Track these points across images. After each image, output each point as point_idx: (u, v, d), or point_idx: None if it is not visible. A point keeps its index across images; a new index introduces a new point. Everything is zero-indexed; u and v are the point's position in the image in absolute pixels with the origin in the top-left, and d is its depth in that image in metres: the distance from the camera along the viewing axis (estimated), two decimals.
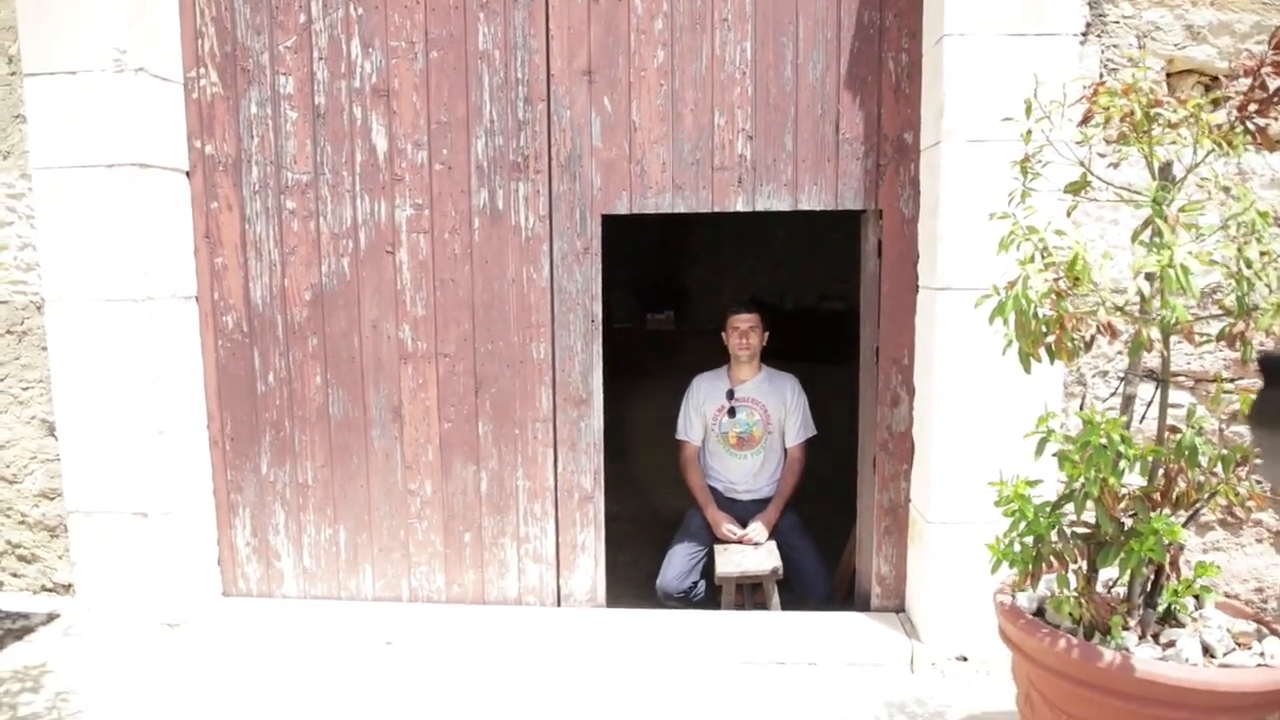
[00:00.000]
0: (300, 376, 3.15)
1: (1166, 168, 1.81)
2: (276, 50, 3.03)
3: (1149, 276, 1.63)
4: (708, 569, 3.46)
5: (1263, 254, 1.51)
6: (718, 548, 3.43)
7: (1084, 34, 2.62)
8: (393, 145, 3.02)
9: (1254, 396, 0.61)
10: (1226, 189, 2.37)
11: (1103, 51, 2.66)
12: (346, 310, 3.10)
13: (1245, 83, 1.65)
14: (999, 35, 2.56)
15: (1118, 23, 2.65)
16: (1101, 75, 2.63)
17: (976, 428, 2.64)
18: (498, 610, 3.17)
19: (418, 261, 3.06)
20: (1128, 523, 1.91)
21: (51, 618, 3.07)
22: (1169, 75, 2.67)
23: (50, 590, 3.24)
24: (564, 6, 2.92)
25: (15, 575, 3.25)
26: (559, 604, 3.19)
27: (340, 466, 3.18)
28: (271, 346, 3.15)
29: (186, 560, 3.12)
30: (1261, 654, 1.92)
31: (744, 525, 3.48)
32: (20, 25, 2.85)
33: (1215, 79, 2.64)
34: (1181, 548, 2.12)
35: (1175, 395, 2.61)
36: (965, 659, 2.75)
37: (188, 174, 3.10)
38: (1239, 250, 1.53)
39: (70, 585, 3.18)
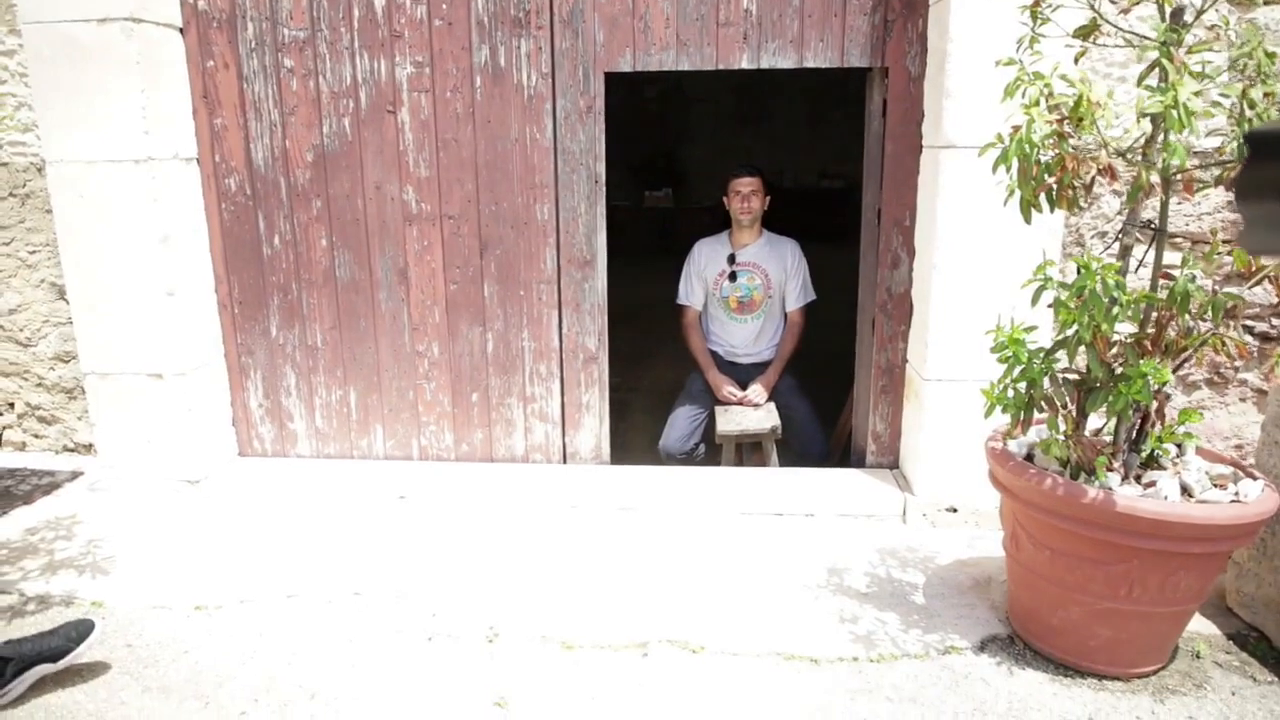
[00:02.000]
0: (306, 239, 3.17)
1: (1179, 11, 1.79)
2: None
3: (1152, 118, 1.64)
4: (709, 431, 3.57)
5: (1266, 95, 1.52)
6: (718, 409, 3.53)
7: None
8: (391, 0, 2.95)
9: (1237, 171, 0.64)
10: (1234, 41, 2.35)
11: None
12: (349, 172, 3.10)
13: None
14: None
15: None
16: None
17: (975, 288, 2.69)
18: (506, 467, 3.29)
19: (419, 121, 3.03)
20: (1118, 369, 1.98)
21: (76, 475, 3.18)
22: None
23: (72, 450, 3.34)
24: None
25: (37, 436, 3.35)
26: (565, 461, 3.31)
27: (348, 329, 3.24)
28: (276, 209, 3.16)
29: (203, 421, 3.21)
30: (1236, 493, 2.02)
31: (744, 388, 3.57)
32: None
33: None
34: (1168, 396, 2.21)
35: (1171, 257, 2.65)
36: (955, 510, 2.88)
37: (181, 31, 3.03)
38: (1243, 92, 1.53)
39: (91, 445, 3.29)
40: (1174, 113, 1.52)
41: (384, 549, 2.71)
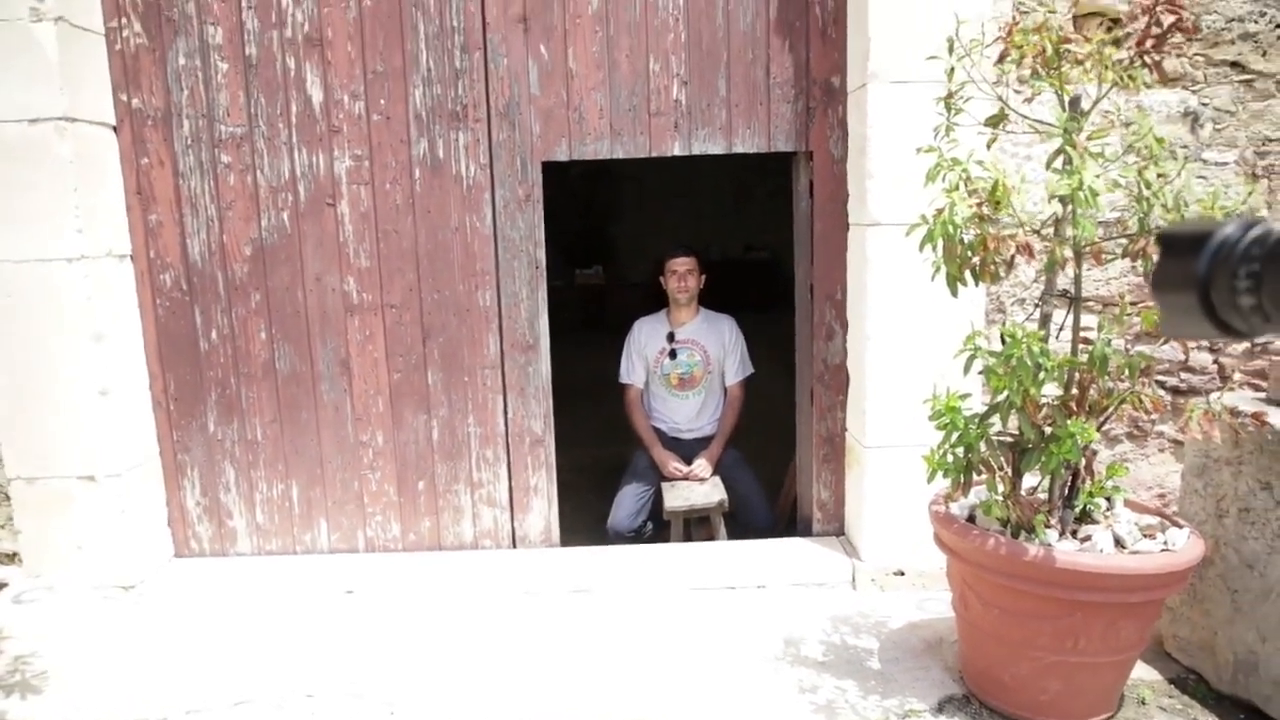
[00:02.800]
0: (244, 333, 3.15)
1: (1075, 101, 1.96)
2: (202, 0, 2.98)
3: (1062, 199, 1.78)
4: (656, 508, 3.59)
5: (1159, 175, 1.67)
6: (665, 485, 3.56)
7: None
8: (329, 96, 3.01)
9: (1154, 263, 0.73)
10: (1127, 124, 2.56)
11: None
12: (289, 264, 3.10)
13: (1144, 22, 1.80)
14: None
15: None
16: (1014, 17, 2.78)
17: (907, 356, 2.81)
18: (455, 555, 3.25)
19: (359, 213, 3.07)
20: (1048, 430, 2.09)
21: (0, 586, 3.04)
22: (1076, 17, 2.84)
23: None
24: None
25: None
26: (514, 545, 3.29)
27: (289, 422, 3.20)
28: (213, 304, 3.13)
29: (137, 523, 3.10)
30: (1165, 543, 2.13)
31: (689, 463, 3.62)
32: None
33: (1117, 20, 2.82)
34: (1095, 453, 2.33)
35: (1085, 320, 2.82)
36: (902, 573, 2.95)
37: (115, 129, 3.03)
38: (1139, 173, 1.68)
39: (15, 554, 3.14)
40: (1080, 194, 1.65)
41: (335, 647, 2.64)
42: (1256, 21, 2.85)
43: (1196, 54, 2.87)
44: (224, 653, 2.62)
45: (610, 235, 10.59)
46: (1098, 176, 1.68)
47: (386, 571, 3.11)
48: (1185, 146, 2.90)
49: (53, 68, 2.75)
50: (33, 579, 3.00)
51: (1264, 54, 2.86)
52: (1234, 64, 2.88)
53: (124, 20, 2.98)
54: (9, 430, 2.96)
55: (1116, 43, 2.01)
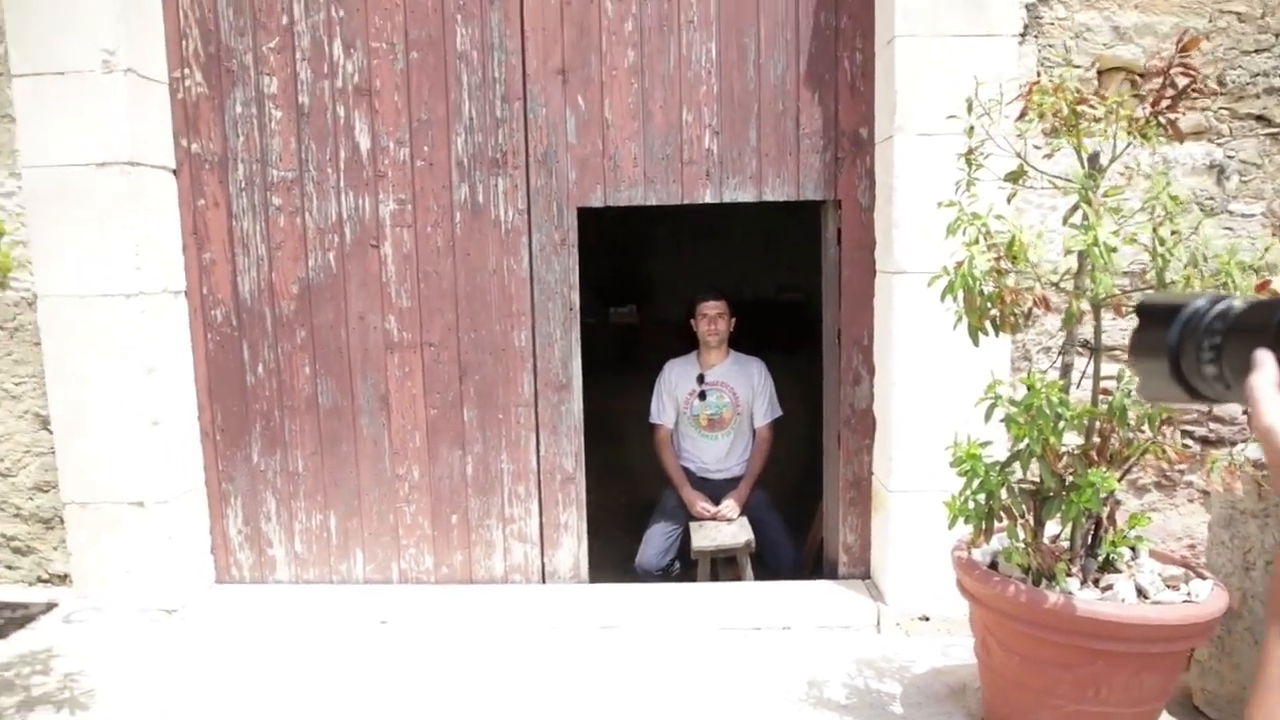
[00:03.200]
0: (289, 368, 3.27)
1: (1094, 157, 2.02)
2: (260, 51, 3.14)
3: (1078, 255, 1.83)
4: (684, 546, 3.64)
5: (1173, 233, 1.72)
6: (693, 525, 3.61)
7: (1022, 35, 2.84)
8: (375, 143, 3.15)
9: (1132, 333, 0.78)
10: (1147, 175, 2.60)
11: (1039, 50, 2.88)
12: (333, 303, 3.23)
13: (1159, 82, 1.86)
14: (944, 36, 2.76)
15: (1052, 24, 2.87)
16: (1038, 72, 2.84)
17: (932, 402, 2.84)
18: (486, 589, 3.31)
19: (402, 255, 3.19)
20: (1069, 479, 2.12)
21: (50, 606, 3.15)
22: (1099, 72, 2.90)
23: (46, 581, 3.31)
24: (538, 9, 3.07)
25: (10, 568, 3.33)
26: (544, 580, 3.35)
27: (330, 454, 3.31)
28: (260, 339, 3.26)
29: (181, 549, 3.21)
30: (1188, 594, 2.14)
31: (717, 503, 3.67)
32: (7, 28, 2.93)
33: (1141, 75, 2.88)
34: (1118, 503, 2.35)
35: (1107, 368, 2.84)
36: (927, 619, 2.96)
37: (174, 172, 3.19)
38: (1154, 230, 1.73)
39: (66, 575, 3.27)
40: (1095, 250, 1.70)
41: (368, 676, 2.71)
42: None
43: (1222, 108, 2.91)
44: (262, 678, 2.70)
45: (644, 274, 10.70)
46: (1113, 233, 1.74)
47: (419, 603, 3.19)
48: (1211, 198, 2.93)
49: (121, 115, 2.92)
50: (81, 600, 3.12)
51: None
52: (1259, 118, 2.91)
53: (186, 71, 3.16)
54: (66, 456, 3.09)
55: (1139, 96, 2.06)
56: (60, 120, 2.93)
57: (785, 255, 9.84)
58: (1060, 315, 2.05)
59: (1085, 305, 1.88)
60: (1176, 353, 0.72)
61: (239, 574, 3.41)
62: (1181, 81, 1.83)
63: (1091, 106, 1.82)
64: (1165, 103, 1.84)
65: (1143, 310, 0.77)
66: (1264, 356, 0.63)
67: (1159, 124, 1.84)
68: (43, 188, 2.95)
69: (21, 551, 3.31)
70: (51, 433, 3.14)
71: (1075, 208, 1.84)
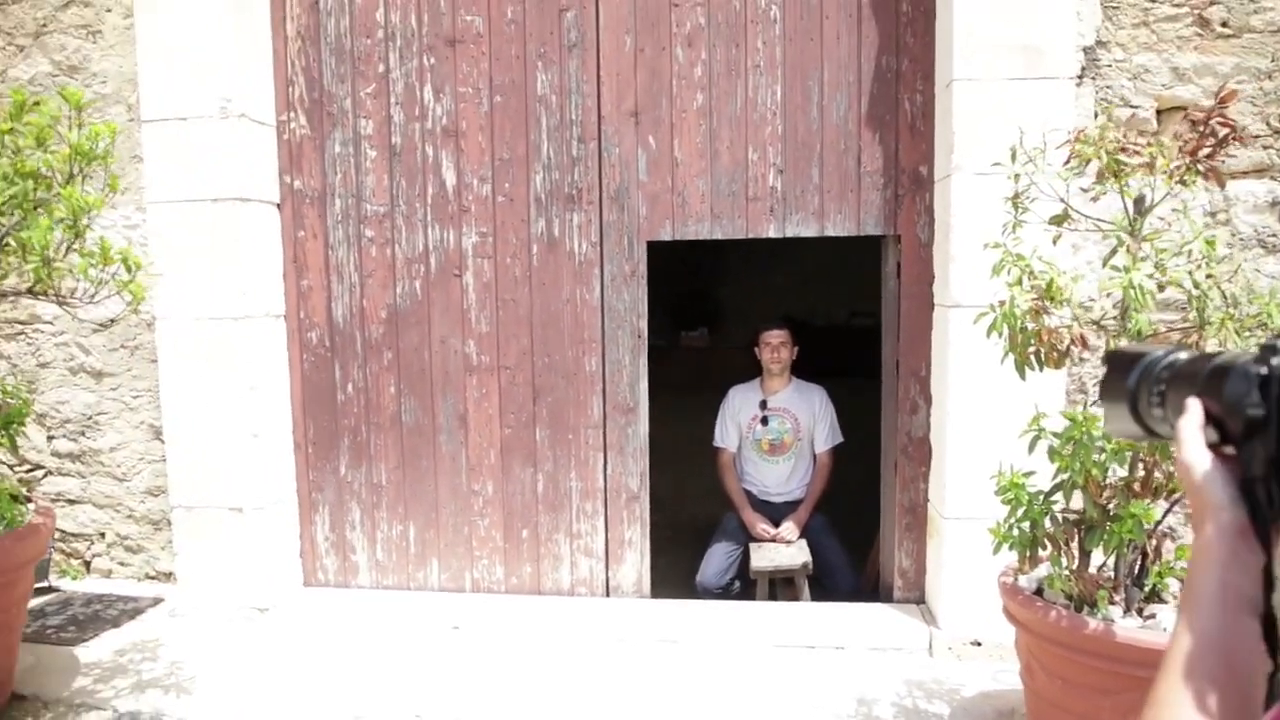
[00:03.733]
0: (376, 387, 3.52)
1: (1139, 200, 2.11)
2: (358, 96, 3.42)
3: (1116, 295, 1.92)
4: (743, 567, 3.76)
5: (1208, 276, 1.80)
6: (753, 545, 3.73)
7: (1079, 77, 2.92)
8: (460, 180, 3.39)
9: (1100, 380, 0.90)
10: (1209, 213, 2.66)
11: (1097, 92, 2.95)
12: (418, 327, 3.47)
13: (1198, 132, 1.94)
14: (1002, 80, 2.87)
15: (1110, 66, 2.95)
16: (1096, 113, 2.93)
17: (986, 431, 2.92)
18: (552, 600, 3.49)
19: (482, 283, 3.42)
20: (1112, 509, 2.19)
21: (157, 601, 3.44)
22: (1158, 112, 2.97)
23: (153, 578, 3.62)
24: (613, 55, 3.27)
25: (122, 564, 3.64)
26: (608, 594, 3.51)
27: (411, 468, 3.54)
28: (351, 360, 3.52)
29: (274, 552, 3.48)
30: None
31: (777, 525, 3.78)
32: (141, 78, 3.26)
33: (1223, 94, 2.92)
34: (1167, 535, 2.40)
35: None
36: (979, 644, 3.02)
37: (278, 206, 3.49)
38: (1190, 274, 1.82)
39: (171, 573, 3.56)
40: (1131, 292, 1.80)
41: (441, 676, 2.91)
42: None
43: None
44: (344, 674, 2.92)
45: (716, 298, 10.84)
46: (1149, 276, 1.83)
47: (490, 611, 3.38)
48: (1274, 235, 2.96)
49: (234, 156, 3.22)
50: (185, 596, 3.40)
51: None
52: None
53: (292, 114, 3.45)
54: (175, 463, 3.39)
55: (1183, 143, 2.15)
56: (182, 160, 3.24)
57: (857, 281, 9.88)
58: (1100, 353, 2.13)
59: (1124, 342, 1.97)
60: (1134, 396, 0.85)
61: (324, 578, 3.66)
62: (1222, 132, 1.91)
63: (1130, 156, 1.92)
64: (1205, 151, 1.92)
65: (1110, 359, 0.90)
66: (1192, 403, 0.76)
67: (1198, 171, 1.93)
68: (164, 221, 3.27)
69: (133, 550, 3.62)
70: (163, 442, 3.44)
71: (1114, 251, 1.93)
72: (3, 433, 2.47)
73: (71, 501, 3.62)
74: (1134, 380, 0.86)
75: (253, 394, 3.34)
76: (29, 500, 2.77)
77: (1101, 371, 0.91)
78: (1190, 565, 0.76)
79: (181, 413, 3.35)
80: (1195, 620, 0.71)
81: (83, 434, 3.57)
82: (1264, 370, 0.68)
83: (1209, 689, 0.67)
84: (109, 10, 3.35)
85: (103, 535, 3.64)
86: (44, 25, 3.39)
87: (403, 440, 3.53)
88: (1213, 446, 0.74)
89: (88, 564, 3.68)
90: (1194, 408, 0.76)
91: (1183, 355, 0.83)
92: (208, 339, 3.29)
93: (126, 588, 3.57)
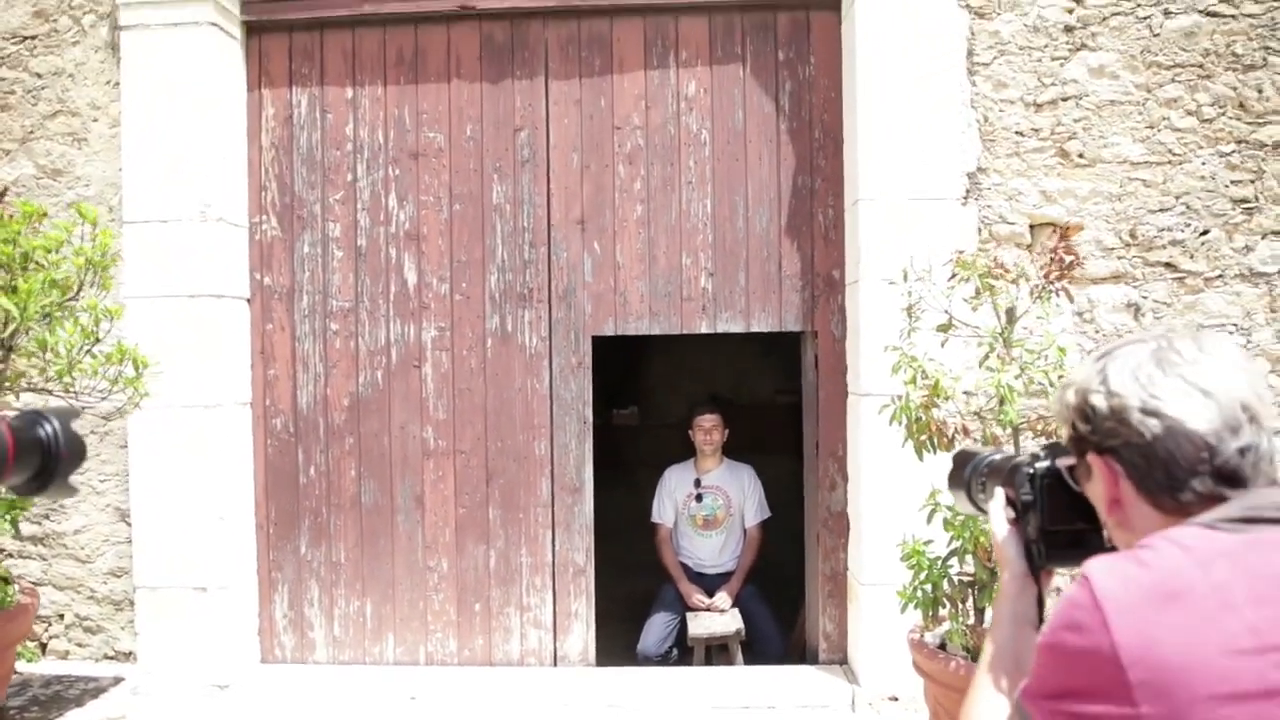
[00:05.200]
0: (338, 470, 3.75)
1: (1010, 311, 2.55)
2: (327, 202, 3.74)
3: (990, 391, 2.34)
4: (681, 635, 4.04)
5: (1060, 376, 2.23)
6: (689, 615, 4.03)
7: (965, 197, 3.42)
8: (421, 279, 3.71)
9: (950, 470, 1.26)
10: (1081, 314, 3.13)
11: (980, 210, 3.45)
12: (379, 414, 3.73)
13: (1049, 258, 2.41)
14: (901, 199, 3.34)
15: (989, 189, 3.45)
16: (979, 228, 3.42)
17: (896, 506, 3.30)
18: (503, 670, 3.71)
19: (440, 374, 3.71)
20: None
21: (117, 680, 3.55)
22: (1031, 226, 3.47)
23: (112, 658, 3.71)
24: (562, 171, 3.67)
25: (80, 645, 3.73)
26: (555, 664, 3.74)
27: (369, 547, 3.75)
28: (314, 445, 3.75)
29: (234, 630, 3.63)
30: None
31: (711, 595, 4.09)
32: (125, 183, 3.52)
33: (1067, 228, 3.45)
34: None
35: None
36: (896, 699, 3.35)
37: (248, 301, 3.74)
38: (1046, 374, 2.25)
39: (131, 652, 3.67)
40: (1002, 390, 2.21)
41: None
42: (1183, 230, 3.44)
43: (1135, 256, 3.47)
44: None
45: (647, 376, 11.23)
46: (1016, 377, 2.25)
47: (444, 682, 3.58)
48: (1130, 331, 3.46)
49: (212, 255, 3.49)
50: (146, 675, 3.52)
51: (1191, 256, 3.44)
52: (1167, 264, 3.46)
53: (264, 217, 3.75)
54: (142, 545, 3.54)
55: (1042, 265, 2.60)
56: (161, 259, 3.49)
57: (781, 361, 10.39)
58: (978, 438, 2.54)
59: (998, 430, 2.38)
60: (968, 484, 1.22)
61: (281, 654, 3.81)
62: (1067, 259, 2.37)
63: (997, 277, 2.36)
64: (1054, 274, 2.37)
65: (955, 458, 1.27)
66: (997, 490, 1.13)
67: (1051, 290, 2.38)
68: (142, 315, 3.48)
69: (92, 630, 3.72)
70: (130, 524, 3.60)
71: (986, 355, 2.36)
72: (5, 516, 2.64)
73: (33, 584, 3.71)
74: (968, 474, 1.23)
75: (219, 477, 3.53)
76: (12, 581, 2.92)
77: (950, 467, 1.28)
78: (995, 599, 1.12)
79: (150, 496, 3.52)
80: (996, 635, 1.07)
81: (47, 517, 3.70)
82: (1032, 470, 1.05)
83: (1003, 678, 1.02)
84: (95, 120, 3.62)
85: (61, 616, 3.74)
86: (31, 132, 3.64)
87: (362, 520, 3.75)
88: (1010, 520, 1.11)
89: (44, 645, 3.75)
90: (998, 494, 1.13)
91: (997, 456, 1.21)
92: (179, 426, 3.49)
93: (85, 668, 3.66)
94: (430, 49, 3.69)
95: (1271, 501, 0.90)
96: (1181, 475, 0.93)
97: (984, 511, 1.21)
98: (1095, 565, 0.91)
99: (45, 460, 1.11)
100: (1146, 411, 0.94)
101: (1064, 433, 1.05)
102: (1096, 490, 1.01)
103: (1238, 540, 0.88)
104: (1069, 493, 1.07)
